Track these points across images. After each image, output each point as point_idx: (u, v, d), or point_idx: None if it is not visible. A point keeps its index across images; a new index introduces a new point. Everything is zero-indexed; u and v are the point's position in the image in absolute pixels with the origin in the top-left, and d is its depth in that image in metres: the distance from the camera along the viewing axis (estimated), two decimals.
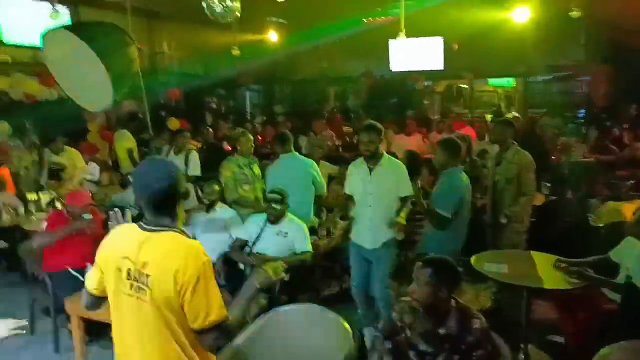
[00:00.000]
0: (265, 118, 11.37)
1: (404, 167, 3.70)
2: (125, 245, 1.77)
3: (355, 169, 3.80)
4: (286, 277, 2.02)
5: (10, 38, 7.72)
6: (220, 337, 1.71)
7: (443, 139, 4.24)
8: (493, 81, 14.25)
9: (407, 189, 3.62)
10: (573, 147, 6.43)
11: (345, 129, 9.94)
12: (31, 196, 5.76)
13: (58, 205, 5.32)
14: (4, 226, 5.42)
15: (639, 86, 7.37)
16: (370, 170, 3.63)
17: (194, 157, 5.86)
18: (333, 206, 5.66)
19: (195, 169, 5.74)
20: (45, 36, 4.69)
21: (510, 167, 4.15)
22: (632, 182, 5.08)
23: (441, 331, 2.19)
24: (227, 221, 4.34)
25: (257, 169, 5.09)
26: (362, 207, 3.69)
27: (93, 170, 7.06)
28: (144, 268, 1.69)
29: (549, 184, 5.23)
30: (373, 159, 3.61)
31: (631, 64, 7.70)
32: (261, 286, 1.90)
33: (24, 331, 1.92)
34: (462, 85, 13.43)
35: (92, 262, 4.12)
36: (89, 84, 4.71)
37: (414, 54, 10.89)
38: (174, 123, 8.79)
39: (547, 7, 7.15)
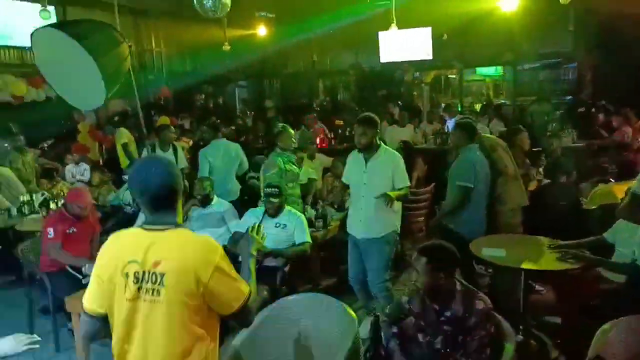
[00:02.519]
0: (251, 113, 11.31)
1: (400, 158, 3.70)
2: (129, 249, 1.72)
3: (352, 159, 3.84)
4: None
5: None
6: (249, 312, 1.78)
7: (460, 121, 4.39)
8: (481, 71, 14.36)
9: (402, 180, 3.63)
10: (563, 132, 6.50)
11: (337, 122, 9.97)
12: (23, 197, 5.72)
13: (52, 205, 5.28)
14: None
15: (627, 71, 7.45)
16: (366, 161, 3.65)
17: (181, 151, 5.98)
18: (328, 198, 5.72)
19: (182, 163, 5.85)
20: (34, 35, 4.63)
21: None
22: (618, 166, 5.16)
23: (447, 313, 2.23)
24: (223, 214, 4.35)
25: (293, 166, 4.81)
26: (356, 198, 3.73)
27: (84, 171, 7.03)
28: (156, 268, 1.66)
29: (541, 170, 5.29)
30: (369, 150, 3.63)
31: (620, 49, 7.78)
32: (253, 251, 1.99)
33: (37, 346, 1.89)
34: (450, 76, 13.51)
35: (90, 259, 4.12)
36: (80, 83, 4.67)
37: (403, 45, 10.96)
38: (164, 121, 8.75)
39: None
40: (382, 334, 2.39)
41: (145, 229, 1.74)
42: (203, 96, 11.95)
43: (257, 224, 2.14)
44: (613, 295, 3.06)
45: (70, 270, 4.06)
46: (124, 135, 7.92)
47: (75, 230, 4.21)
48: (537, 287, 3.76)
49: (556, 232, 3.64)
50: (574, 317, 3.26)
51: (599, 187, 4.60)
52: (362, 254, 3.73)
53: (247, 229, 2.14)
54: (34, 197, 5.71)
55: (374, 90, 12.01)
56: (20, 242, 4.99)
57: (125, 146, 7.75)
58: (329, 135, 8.71)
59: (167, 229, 1.72)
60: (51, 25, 5.15)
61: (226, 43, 7.89)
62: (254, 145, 8.21)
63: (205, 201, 4.32)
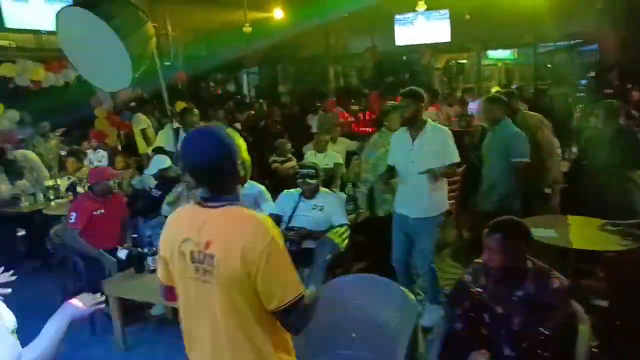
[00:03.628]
0: (261, 101, 11.15)
1: (449, 133, 3.60)
2: (185, 227, 1.63)
3: (396, 140, 3.75)
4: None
5: (12, 23, 7.51)
6: (301, 316, 1.56)
7: (489, 96, 4.32)
8: (493, 55, 14.11)
9: (451, 156, 3.53)
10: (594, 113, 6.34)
11: (352, 106, 9.84)
12: (48, 182, 5.68)
13: (80, 189, 5.24)
14: (23, 212, 5.35)
15: None
16: (413, 138, 3.56)
17: None
18: (355, 181, 5.62)
19: None
20: (58, 15, 4.53)
21: None
22: None
23: (519, 293, 2.13)
24: (256, 196, 4.28)
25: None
26: (405, 177, 3.63)
27: (101, 157, 6.97)
28: (207, 248, 1.55)
29: (574, 150, 5.17)
30: (415, 127, 3.54)
31: None
32: (332, 256, 1.78)
33: (103, 305, 1.83)
34: (460, 62, 13.26)
35: (120, 243, 4.11)
36: (105, 64, 4.58)
37: (421, 28, 10.79)
38: (180, 106, 8.65)
39: None
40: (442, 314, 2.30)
41: (202, 205, 1.62)
42: (212, 83, 11.86)
43: (342, 227, 1.89)
44: None
45: (104, 253, 4.02)
46: (142, 121, 7.91)
47: (103, 211, 4.20)
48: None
49: (595, 213, 3.55)
50: (623, 301, 3.17)
51: None
52: (410, 235, 3.66)
53: (329, 230, 1.90)
54: (58, 182, 5.67)
55: (391, 74, 11.84)
56: (48, 227, 4.97)
57: (143, 131, 7.73)
58: (349, 119, 8.60)
59: (221, 206, 1.59)
60: (77, 4, 5.02)
61: (247, 24, 7.72)
62: (273, 130, 8.12)
63: None
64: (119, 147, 8.12)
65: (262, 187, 4.40)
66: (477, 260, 2.30)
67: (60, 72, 7.57)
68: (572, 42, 10.64)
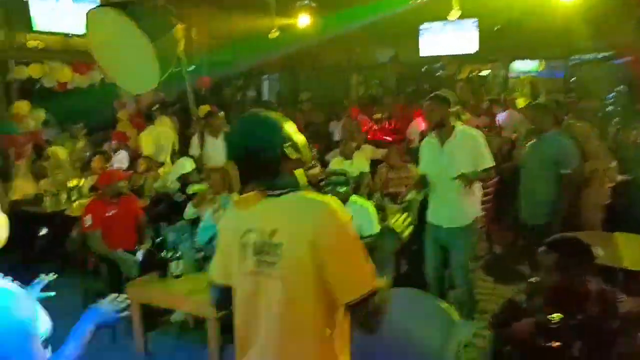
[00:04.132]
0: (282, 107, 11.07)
1: (481, 138, 3.46)
2: (247, 216, 1.52)
3: (426, 146, 3.63)
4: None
5: (41, 26, 7.57)
6: (376, 313, 1.42)
7: (535, 104, 4.18)
8: (518, 67, 13.84)
9: (484, 160, 3.38)
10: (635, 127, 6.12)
11: (375, 115, 9.73)
12: (72, 183, 5.65)
13: None
14: (46, 212, 5.32)
15: None
16: (442, 144, 3.44)
17: None
18: (382, 190, 5.48)
19: None
20: (89, 15, 4.51)
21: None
22: None
23: (578, 316, 1.97)
24: None
25: None
26: (438, 183, 3.50)
27: (122, 158, 6.95)
28: (272, 237, 1.44)
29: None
30: (443, 132, 3.41)
31: None
32: (395, 249, 1.64)
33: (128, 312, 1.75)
34: (482, 74, 13.01)
35: (138, 244, 4.06)
36: (133, 66, 4.54)
37: (447, 38, 10.63)
38: (204, 110, 8.63)
39: None
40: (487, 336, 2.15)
41: (264, 194, 1.51)
42: (231, 90, 11.82)
43: (402, 213, 1.71)
44: None
45: (121, 253, 3.97)
46: (165, 124, 7.88)
47: (114, 212, 4.18)
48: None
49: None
50: None
51: None
52: (444, 245, 3.51)
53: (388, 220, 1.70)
54: (81, 182, 5.65)
55: (414, 84, 11.70)
56: (68, 228, 4.92)
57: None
58: (373, 127, 8.48)
59: (283, 192, 1.49)
60: (107, 5, 5.01)
61: (274, 29, 7.66)
62: None
63: None
64: (141, 150, 8.15)
65: None
66: (531, 279, 2.13)
67: (87, 74, 7.58)
68: (602, 55, 10.37)
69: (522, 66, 13.78)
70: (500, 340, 2.12)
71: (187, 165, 5.06)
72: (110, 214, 4.15)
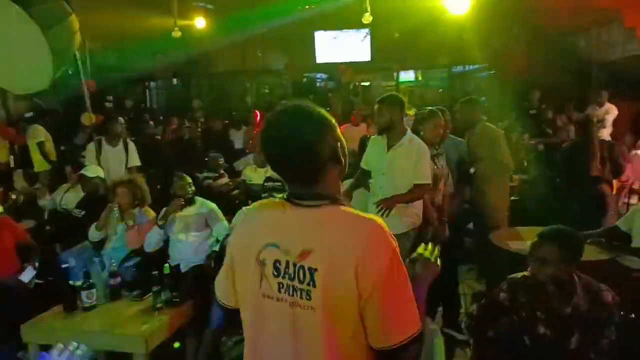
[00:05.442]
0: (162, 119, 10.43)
1: (426, 152, 3.32)
2: (270, 228, 1.24)
3: (374, 144, 3.52)
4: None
5: None
6: (415, 356, 1.18)
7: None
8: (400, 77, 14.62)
9: (423, 176, 3.26)
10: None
11: None
12: None
13: None
14: None
15: (569, 74, 7.91)
16: (389, 147, 3.34)
17: (133, 146, 5.38)
18: None
19: (135, 160, 5.27)
20: None
21: None
22: None
23: (568, 310, 1.95)
24: (206, 216, 3.81)
25: None
26: (375, 187, 3.43)
27: None
28: (304, 259, 1.16)
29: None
30: (392, 134, 3.32)
31: (550, 47, 8.28)
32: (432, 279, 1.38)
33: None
34: (363, 84, 13.44)
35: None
36: (20, 61, 3.87)
37: (341, 46, 10.88)
38: (88, 118, 7.77)
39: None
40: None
41: (293, 203, 1.23)
42: (111, 97, 10.87)
43: (429, 243, 1.46)
44: None
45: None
46: (40, 133, 6.92)
47: None
48: None
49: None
50: None
51: None
52: None
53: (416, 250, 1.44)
54: None
55: (310, 92, 11.77)
56: None
57: (40, 145, 6.77)
58: None
59: (321, 204, 1.20)
60: None
61: (176, 29, 7.14)
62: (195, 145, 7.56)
63: (188, 202, 3.74)
64: (12, 164, 7.06)
65: (213, 205, 3.93)
66: (512, 275, 2.09)
67: None
68: (478, 66, 11.33)
69: (404, 76, 14.56)
70: (484, 342, 2.05)
71: (94, 170, 4.48)
72: None
